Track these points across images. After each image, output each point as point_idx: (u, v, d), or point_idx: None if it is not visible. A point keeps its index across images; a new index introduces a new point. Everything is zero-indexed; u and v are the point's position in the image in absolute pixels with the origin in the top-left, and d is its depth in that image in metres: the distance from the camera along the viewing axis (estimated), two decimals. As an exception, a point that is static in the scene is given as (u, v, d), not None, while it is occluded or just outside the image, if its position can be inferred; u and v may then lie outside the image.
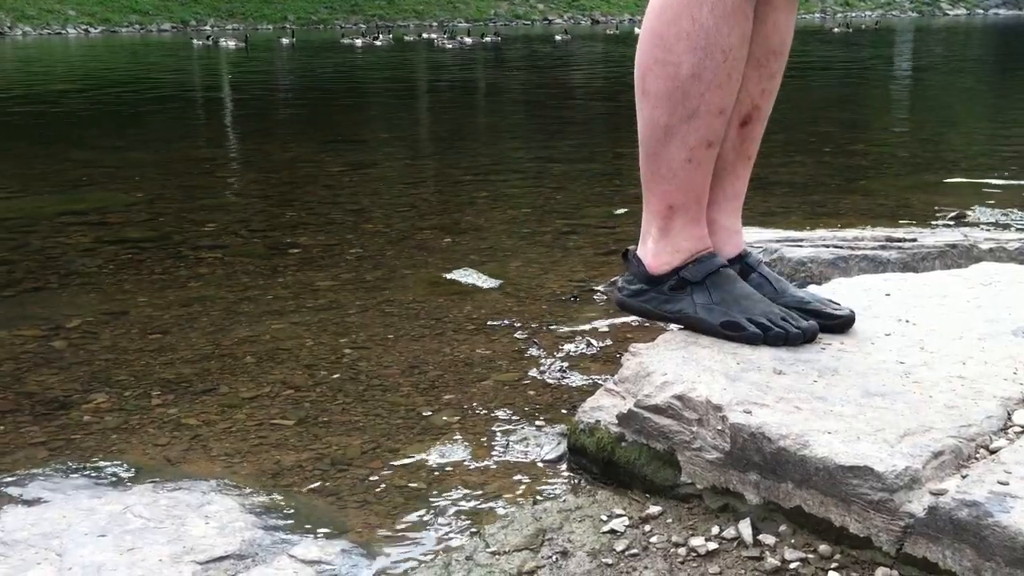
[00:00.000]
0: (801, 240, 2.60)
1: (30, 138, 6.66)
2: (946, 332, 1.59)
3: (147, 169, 4.91)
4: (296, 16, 38.96)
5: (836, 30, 27.05)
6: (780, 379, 1.40)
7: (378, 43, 23.65)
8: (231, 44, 22.22)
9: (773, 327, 1.52)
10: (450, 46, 21.94)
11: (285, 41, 24.61)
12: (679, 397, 1.37)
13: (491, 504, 1.44)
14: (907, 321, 1.64)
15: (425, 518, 1.41)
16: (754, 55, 1.54)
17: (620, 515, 1.34)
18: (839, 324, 1.58)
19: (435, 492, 1.48)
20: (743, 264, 1.64)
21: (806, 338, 1.52)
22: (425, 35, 28.19)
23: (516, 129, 6.78)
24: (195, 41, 23.75)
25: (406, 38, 26.83)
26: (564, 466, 1.54)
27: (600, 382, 1.84)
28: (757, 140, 1.63)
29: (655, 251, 1.60)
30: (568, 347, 2.11)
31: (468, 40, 23.86)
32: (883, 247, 2.50)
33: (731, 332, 1.53)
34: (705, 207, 1.60)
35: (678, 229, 1.58)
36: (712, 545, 1.25)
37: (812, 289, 1.83)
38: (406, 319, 2.33)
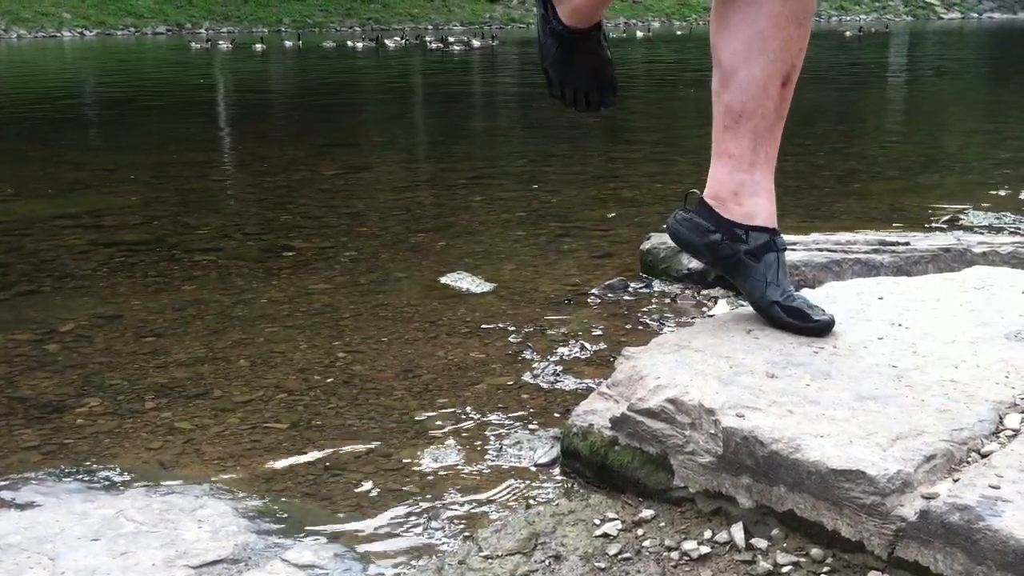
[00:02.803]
0: (795, 244, 2.60)
1: (24, 140, 6.65)
2: (939, 336, 1.59)
3: (142, 172, 4.91)
4: (291, 19, 38.94)
5: (848, 34, 27.20)
6: (773, 383, 1.40)
7: (391, 45, 23.13)
8: (257, 47, 22.16)
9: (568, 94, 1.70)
10: (457, 49, 21.72)
11: (288, 44, 24.40)
12: (672, 401, 1.37)
13: (484, 508, 1.44)
14: (900, 325, 1.65)
15: (418, 522, 1.41)
16: (796, 14, 1.54)
17: (613, 519, 1.34)
18: (816, 328, 1.58)
19: (428, 496, 1.48)
20: (772, 238, 1.64)
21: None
22: (429, 38, 27.59)
23: (511, 132, 6.80)
24: (193, 44, 23.62)
25: (399, 40, 26.45)
26: (557, 470, 1.55)
27: (593, 386, 1.85)
28: (789, 101, 1.63)
29: None
30: (562, 351, 2.11)
31: (476, 43, 23.67)
32: (876, 251, 2.51)
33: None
34: None
35: None
36: (705, 549, 1.26)
37: (805, 292, 1.84)
38: (400, 322, 2.33)
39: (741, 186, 1.63)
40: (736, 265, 1.65)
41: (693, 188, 1.73)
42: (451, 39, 24.60)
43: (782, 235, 1.66)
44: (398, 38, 25.81)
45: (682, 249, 1.75)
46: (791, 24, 1.54)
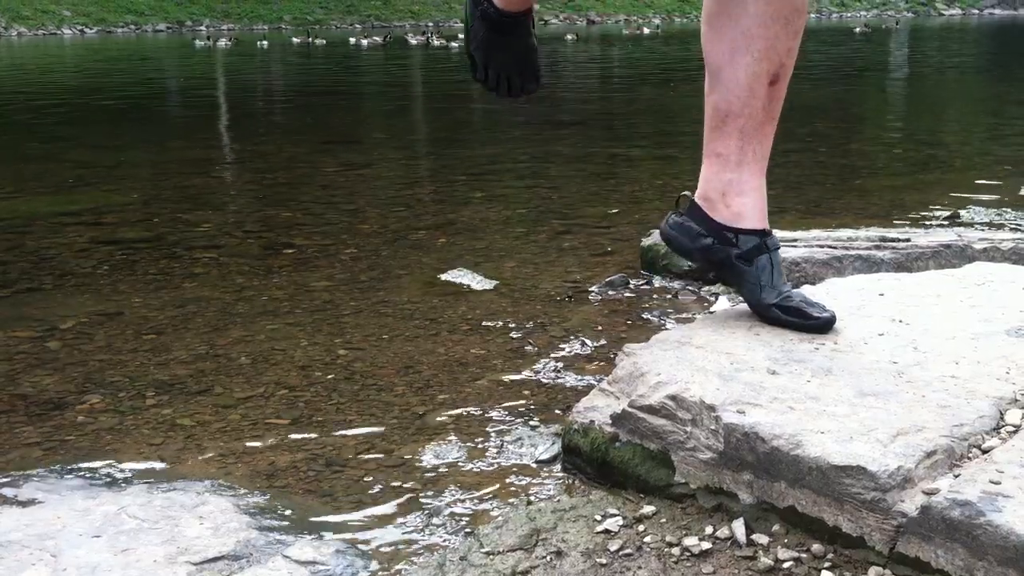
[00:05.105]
0: (795, 240, 2.60)
1: (25, 138, 6.65)
2: (939, 332, 1.59)
3: (143, 169, 4.91)
4: (292, 17, 38.91)
5: (857, 30, 27.22)
6: (774, 379, 1.40)
7: (413, 42, 22.57)
8: (262, 43, 22.13)
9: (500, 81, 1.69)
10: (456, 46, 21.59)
11: (296, 40, 24.29)
12: (673, 397, 1.37)
13: (485, 505, 1.44)
14: (900, 321, 1.65)
15: (419, 518, 1.41)
16: (782, 13, 1.53)
17: (614, 515, 1.34)
18: (816, 326, 1.58)
19: (429, 492, 1.48)
20: (762, 240, 1.63)
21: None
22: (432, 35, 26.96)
23: (512, 129, 6.79)
24: (197, 42, 23.62)
25: (422, 37, 25.99)
26: (558, 466, 1.55)
27: (594, 382, 1.85)
28: (781, 101, 1.62)
29: None
30: (563, 347, 2.11)
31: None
32: (877, 247, 2.51)
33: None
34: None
35: None
36: (706, 545, 1.26)
37: (806, 289, 1.84)
38: (401, 319, 2.33)
39: (729, 186, 1.63)
40: (729, 269, 1.65)
41: (686, 190, 1.73)
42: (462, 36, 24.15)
43: (774, 235, 1.66)
44: (420, 35, 25.38)
45: (675, 252, 1.75)
46: (777, 23, 1.53)
